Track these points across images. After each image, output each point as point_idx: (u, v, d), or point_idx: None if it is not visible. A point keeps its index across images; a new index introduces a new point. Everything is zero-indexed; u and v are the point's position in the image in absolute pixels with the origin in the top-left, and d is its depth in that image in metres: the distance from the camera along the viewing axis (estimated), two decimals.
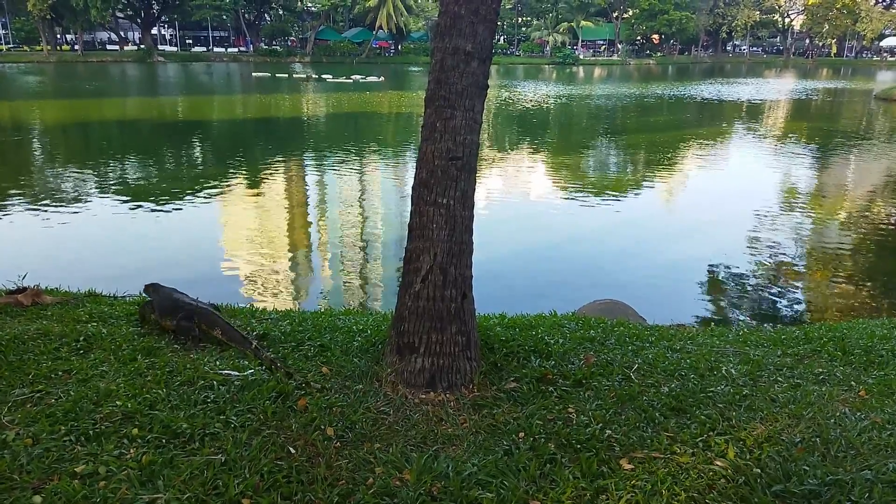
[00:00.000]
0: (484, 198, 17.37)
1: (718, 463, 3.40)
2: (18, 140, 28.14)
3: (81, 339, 4.99)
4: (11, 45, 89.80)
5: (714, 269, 12.61)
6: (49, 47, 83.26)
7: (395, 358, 4.46)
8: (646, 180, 21.01)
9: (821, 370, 5.03)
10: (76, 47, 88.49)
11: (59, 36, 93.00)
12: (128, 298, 7.36)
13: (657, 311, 10.45)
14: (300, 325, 5.70)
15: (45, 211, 15.68)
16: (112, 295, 7.01)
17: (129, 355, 4.66)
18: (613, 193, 18.77)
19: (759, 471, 3.33)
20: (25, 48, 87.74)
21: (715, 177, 21.95)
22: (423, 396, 4.16)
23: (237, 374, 4.31)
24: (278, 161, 23.76)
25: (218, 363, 4.57)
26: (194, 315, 5.09)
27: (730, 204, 17.90)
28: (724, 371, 4.74)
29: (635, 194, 18.94)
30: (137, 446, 3.48)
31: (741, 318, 10.60)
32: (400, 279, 4.71)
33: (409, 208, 4.65)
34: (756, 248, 13.99)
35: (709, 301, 11.23)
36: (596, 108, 43.24)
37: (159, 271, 11.63)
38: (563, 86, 61.86)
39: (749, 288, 11.74)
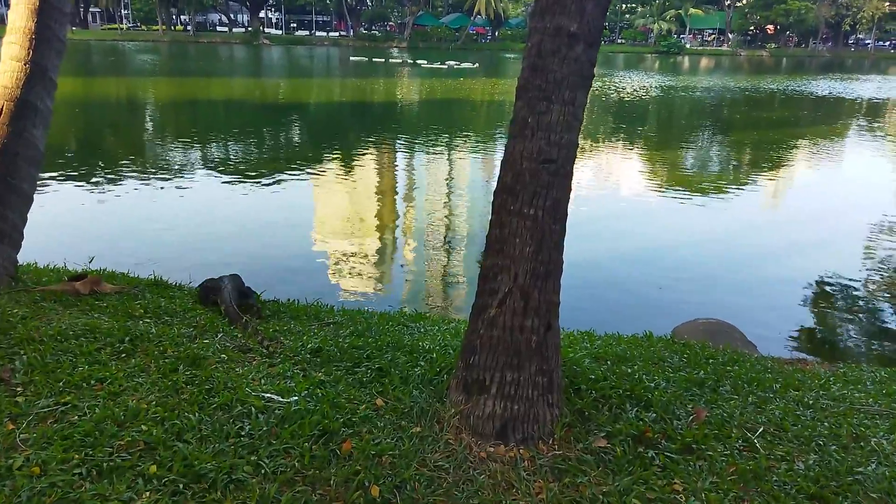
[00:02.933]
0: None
1: None
2: (132, 115, 29.65)
3: (127, 339, 4.59)
4: (130, 25, 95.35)
5: (828, 287, 11.14)
6: (164, 27, 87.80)
7: (461, 396, 3.76)
8: (752, 183, 19.25)
9: None
10: (188, 28, 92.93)
11: (173, 17, 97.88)
12: (194, 287, 7.07)
13: (766, 335, 9.25)
14: (361, 337, 5.11)
15: (147, 186, 16.21)
16: (178, 284, 6.70)
17: (170, 365, 4.19)
18: (714, 196, 17.25)
19: None
20: (143, 27, 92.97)
21: (830, 182, 19.85)
22: (492, 450, 3.45)
23: (280, 399, 3.75)
24: (370, 146, 23.60)
25: (263, 381, 4.03)
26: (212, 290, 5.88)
27: (847, 213, 16.01)
28: (873, 443, 3.75)
29: (740, 198, 17.29)
30: (152, 490, 2.96)
31: (861, 347, 9.25)
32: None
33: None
34: (878, 265, 12.34)
35: (823, 324, 9.87)
36: (700, 102, 40.73)
37: (238, 251, 11.60)
38: (667, 76, 58.92)
39: (868, 311, 10.26)
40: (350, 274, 11.35)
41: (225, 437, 3.37)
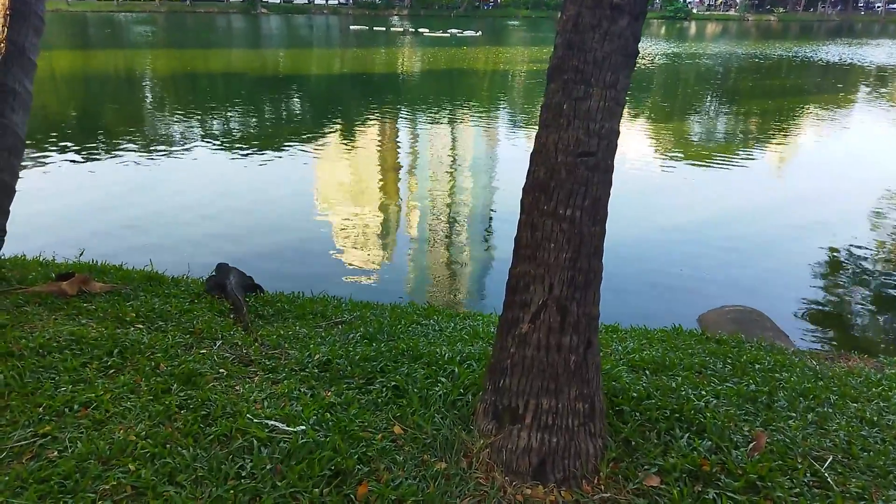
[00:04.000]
0: None
1: None
2: (130, 89, 29.05)
3: (116, 352, 4.16)
4: None
5: (853, 265, 10.66)
6: None
7: (490, 425, 3.32)
8: (766, 155, 18.64)
9: None
10: None
11: None
12: (188, 279, 6.64)
13: (793, 319, 8.82)
14: (373, 343, 4.68)
15: (145, 160, 15.98)
16: (174, 279, 6.25)
17: (162, 384, 3.76)
18: (724, 167, 16.67)
19: None
20: None
21: (847, 153, 19.19)
22: (529, 492, 3.02)
23: (285, 427, 3.32)
24: (373, 117, 23.00)
25: (266, 404, 3.60)
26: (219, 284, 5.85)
27: (871, 185, 15.44)
28: None
29: (754, 171, 16.66)
30: None
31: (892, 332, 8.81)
32: (502, 310, 3.55)
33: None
34: None
35: (850, 308, 9.40)
36: (706, 69, 39.76)
37: (242, 231, 11.27)
38: (672, 43, 57.63)
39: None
40: (354, 247, 11.26)
41: (223, 478, 2.95)
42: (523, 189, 3.53)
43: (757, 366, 4.74)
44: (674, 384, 4.03)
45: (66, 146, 17.02)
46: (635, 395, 3.73)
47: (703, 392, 3.97)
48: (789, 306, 9.14)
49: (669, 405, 3.67)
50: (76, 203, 12.83)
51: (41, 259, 6.86)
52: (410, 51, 47.87)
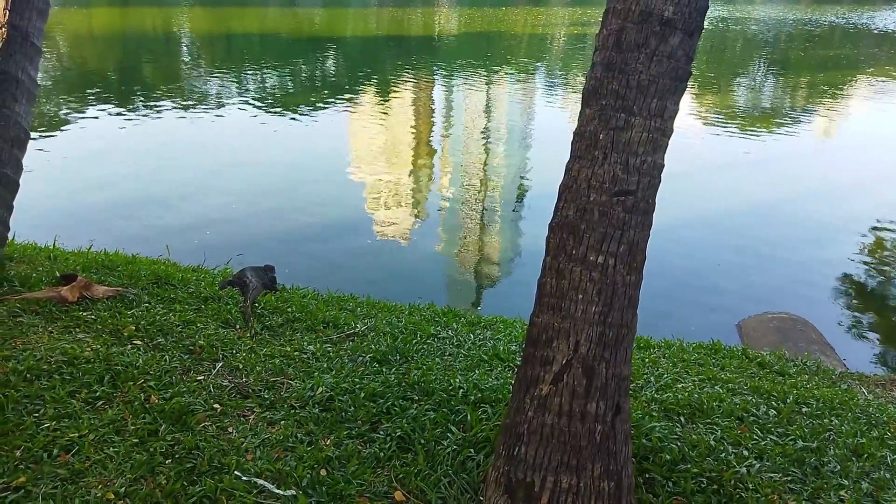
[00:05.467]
0: None
1: None
2: (167, 48, 29.19)
3: (107, 378, 3.90)
4: None
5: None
6: None
7: (501, 500, 2.97)
8: (814, 132, 17.62)
9: None
10: None
11: None
12: (201, 270, 6.42)
13: (836, 325, 8.24)
14: (383, 368, 4.34)
15: (180, 118, 16.47)
16: (182, 279, 5.95)
17: (150, 423, 3.48)
18: (768, 148, 15.77)
19: None
20: None
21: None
22: None
23: (275, 490, 3.01)
24: (407, 80, 22.56)
25: (259, 453, 3.29)
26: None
27: None
28: None
29: (796, 155, 15.72)
30: None
31: None
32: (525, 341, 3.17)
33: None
34: None
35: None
36: (753, 37, 37.89)
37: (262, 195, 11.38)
38: (718, 5, 55.11)
39: None
40: (385, 209, 11.72)
41: None
42: (549, 226, 3.11)
43: (804, 408, 4.28)
44: (712, 439, 3.61)
45: (104, 100, 17.44)
46: (669, 457, 3.33)
47: (745, 451, 3.55)
48: (835, 312, 8.55)
49: (707, 470, 3.27)
50: (107, 164, 13.06)
51: (50, 250, 6.64)
52: (447, 11, 46.65)
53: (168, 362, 4.20)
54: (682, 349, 5.75)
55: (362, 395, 3.84)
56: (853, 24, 44.93)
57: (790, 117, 19.36)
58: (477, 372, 4.50)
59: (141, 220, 10.44)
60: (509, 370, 4.68)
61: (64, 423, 3.48)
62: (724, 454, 3.46)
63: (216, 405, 3.74)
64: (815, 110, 20.25)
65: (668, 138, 3.00)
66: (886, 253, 10.42)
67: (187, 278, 6.06)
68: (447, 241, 10.59)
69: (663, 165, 3.01)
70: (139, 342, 4.48)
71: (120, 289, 5.36)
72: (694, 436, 3.64)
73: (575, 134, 3.04)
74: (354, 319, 5.58)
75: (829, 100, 21.65)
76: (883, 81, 24.43)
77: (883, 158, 15.49)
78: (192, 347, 4.46)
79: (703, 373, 4.93)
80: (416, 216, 11.59)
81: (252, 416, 3.67)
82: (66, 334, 4.49)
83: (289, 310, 5.53)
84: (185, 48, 30.09)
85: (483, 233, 11.05)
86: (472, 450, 3.32)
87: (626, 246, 2.95)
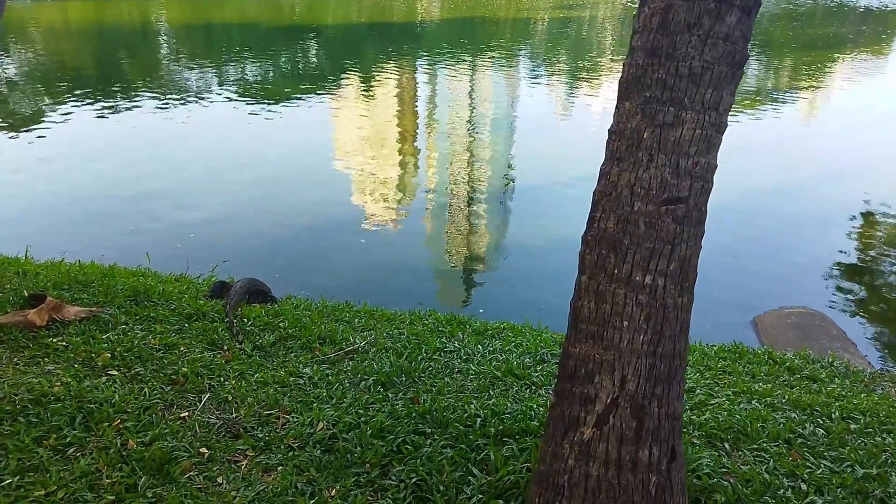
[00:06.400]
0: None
1: None
2: (143, 39, 28.57)
3: (80, 419, 3.44)
4: None
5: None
6: None
7: None
8: (797, 117, 17.28)
9: None
10: None
11: None
12: (185, 279, 5.94)
13: (851, 317, 7.91)
14: (388, 393, 3.91)
15: (162, 111, 16.32)
16: (163, 293, 5.47)
17: (128, 476, 3.03)
18: (756, 132, 15.41)
19: None
20: None
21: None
22: None
23: None
24: (390, 68, 22.06)
25: None
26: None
27: None
28: None
29: (786, 136, 15.36)
30: None
31: None
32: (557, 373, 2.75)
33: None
34: None
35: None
36: None
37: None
38: None
39: None
40: (374, 201, 11.44)
41: None
42: (583, 239, 2.68)
43: (853, 425, 3.90)
44: (765, 471, 3.21)
45: (80, 97, 17.01)
46: (723, 498, 2.92)
47: (803, 483, 3.15)
48: (846, 304, 8.21)
49: None
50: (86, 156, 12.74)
51: (20, 263, 6.14)
52: None
53: (148, 396, 3.74)
54: (704, 354, 5.36)
55: (369, 431, 3.40)
56: (836, 2, 44.67)
57: (776, 99, 19.02)
58: (492, 393, 4.09)
59: (119, 225, 9.89)
60: (527, 389, 4.27)
61: (29, 477, 3.02)
62: (780, 490, 3.06)
63: (203, 449, 3.29)
64: (801, 91, 19.92)
65: (722, 135, 2.57)
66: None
67: (168, 291, 5.58)
68: (440, 237, 10.20)
69: (716, 166, 2.59)
70: (115, 372, 4.01)
71: (94, 309, 4.87)
72: (744, 467, 3.24)
73: (611, 132, 2.60)
74: (352, 333, 5.14)
75: (818, 79, 21.33)
76: (868, 62, 24.15)
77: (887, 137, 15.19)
78: (174, 377, 4.00)
79: (734, 384, 4.54)
80: (406, 211, 11.22)
81: (244, 462, 3.22)
82: (33, 366, 4.02)
83: (281, 325, 5.07)
84: (163, 40, 29.37)
85: (478, 226, 10.64)
86: (499, 501, 2.88)
87: (677, 263, 2.53)
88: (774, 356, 5.46)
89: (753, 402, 4.18)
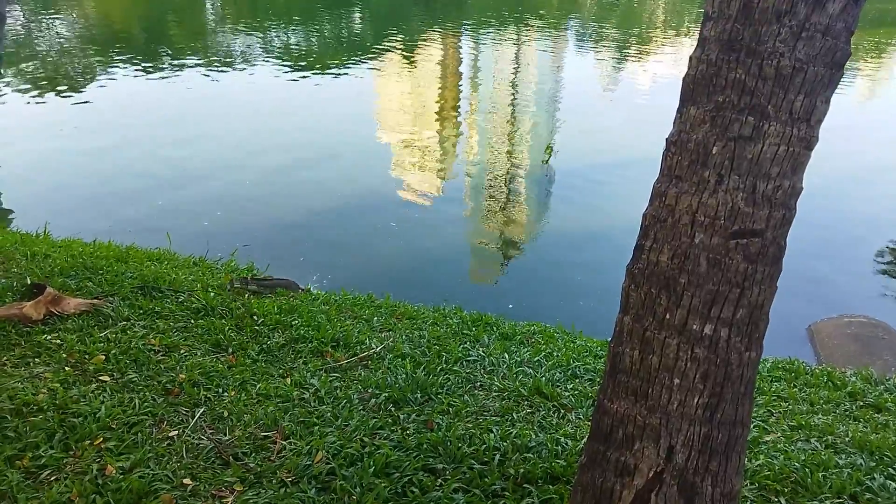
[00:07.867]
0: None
1: None
2: (191, 3, 28.87)
3: (59, 435, 3.13)
4: None
5: None
6: None
7: None
8: (860, 101, 16.13)
9: None
10: None
11: None
12: (202, 260, 5.62)
13: None
14: (400, 413, 3.51)
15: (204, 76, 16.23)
16: (171, 283, 5.15)
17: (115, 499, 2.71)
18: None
19: None
20: None
21: None
22: None
23: None
24: (434, 37, 21.61)
25: None
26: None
27: None
28: None
29: (849, 123, 14.31)
30: None
31: None
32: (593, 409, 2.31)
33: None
34: None
35: None
36: None
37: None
38: None
39: None
40: (412, 173, 11.21)
41: None
42: (628, 271, 2.20)
43: None
44: None
45: (126, 62, 17.08)
46: None
47: None
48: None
49: None
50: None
51: (32, 242, 5.91)
52: None
53: (137, 409, 3.41)
54: (757, 371, 4.82)
55: (372, 467, 3.00)
56: None
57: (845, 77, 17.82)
58: (516, 417, 3.66)
59: (146, 200, 9.65)
60: (555, 412, 3.83)
61: None
62: None
63: (187, 479, 2.94)
64: (865, 72, 18.63)
65: (811, 153, 2.04)
66: None
67: (180, 280, 5.27)
68: (477, 221, 9.73)
69: (801, 191, 2.07)
70: (107, 378, 3.70)
71: (95, 301, 4.57)
72: None
73: (670, 142, 2.10)
74: (370, 335, 4.75)
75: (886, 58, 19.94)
76: None
77: None
78: (169, 385, 3.67)
79: (791, 414, 4.02)
80: (442, 189, 10.82)
81: (230, 500, 2.86)
82: (21, 367, 3.73)
83: (293, 324, 4.71)
84: (208, 6, 29.42)
85: (515, 211, 10.15)
86: None
87: (745, 310, 2.04)
88: (834, 378, 4.90)
89: (812, 440, 3.67)
